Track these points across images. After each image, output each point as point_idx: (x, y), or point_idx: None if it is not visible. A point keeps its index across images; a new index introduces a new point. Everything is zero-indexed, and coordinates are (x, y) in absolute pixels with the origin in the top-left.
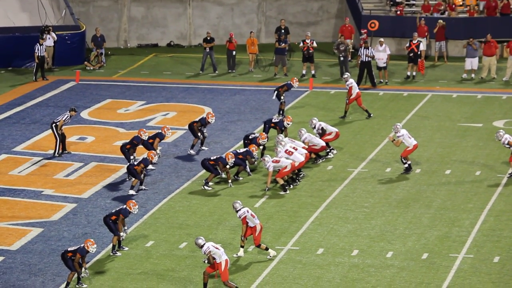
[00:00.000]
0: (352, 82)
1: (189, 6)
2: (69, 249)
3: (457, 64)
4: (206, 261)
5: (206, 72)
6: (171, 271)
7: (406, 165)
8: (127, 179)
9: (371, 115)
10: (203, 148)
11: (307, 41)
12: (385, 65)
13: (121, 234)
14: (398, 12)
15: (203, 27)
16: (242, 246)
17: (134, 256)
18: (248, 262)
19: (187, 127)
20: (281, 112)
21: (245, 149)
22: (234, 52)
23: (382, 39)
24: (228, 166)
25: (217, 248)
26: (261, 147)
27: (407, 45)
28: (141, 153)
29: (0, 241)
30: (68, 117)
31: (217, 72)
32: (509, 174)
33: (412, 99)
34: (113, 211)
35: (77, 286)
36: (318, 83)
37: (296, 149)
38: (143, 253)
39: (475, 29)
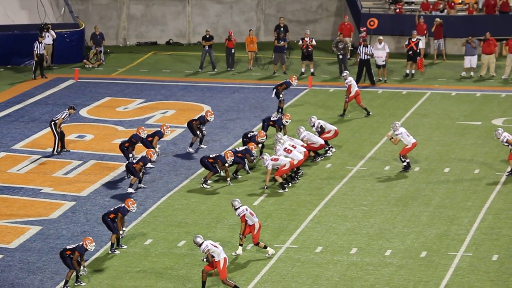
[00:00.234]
0: (351, 80)
1: (188, 4)
2: (67, 247)
3: (456, 62)
4: (204, 260)
5: (205, 70)
6: (169, 269)
7: (405, 163)
8: (126, 177)
9: (370, 113)
10: (202, 146)
11: (306, 39)
12: (384, 63)
13: (121, 233)
14: (397, 10)
15: (202, 25)
16: (240, 245)
17: (133, 254)
18: (246, 260)
19: (186, 125)
20: (280, 110)
21: (244, 147)
22: (233, 50)
23: (381, 37)
24: (227, 165)
25: (215, 246)
26: (260, 145)
27: (406, 43)
28: (140, 151)
29: None
30: (67, 115)
31: (216, 70)
32: (508, 172)
33: (411, 97)
34: (112, 209)
35: (75, 284)
36: (317, 81)
37: (295, 147)
38: (142, 251)
39: (474, 27)
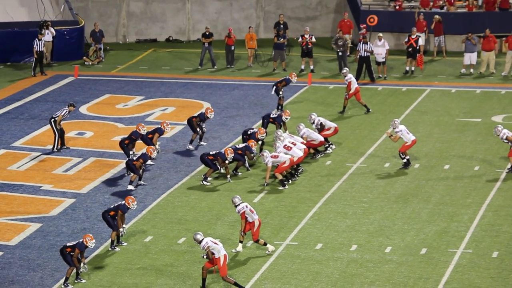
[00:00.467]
0: (351, 77)
1: (187, 1)
2: (68, 244)
3: (456, 59)
4: (204, 257)
5: (205, 67)
6: (169, 266)
7: (405, 160)
8: (126, 174)
9: (370, 110)
10: (202, 143)
11: (306, 36)
12: (384, 60)
13: (121, 230)
14: (397, 7)
15: (202, 22)
16: (240, 241)
17: (133, 251)
18: (246, 257)
19: (186, 122)
20: (279, 107)
21: (244, 145)
22: (233, 47)
23: (381, 34)
24: (227, 162)
25: (215, 243)
26: (259, 142)
27: (406, 40)
28: (140, 148)
29: None
30: (67, 112)
31: (216, 67)
32: (508, 169)
33: (411, 94)
34: (112, 206)
35: (76, 281)
36: (317, 78)
37: (294, 144)
38: (142, 248)
39: (474, 24)
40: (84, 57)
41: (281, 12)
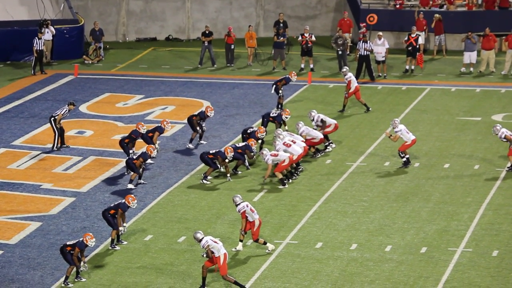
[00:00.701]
0: (351, 76)
1: (187, 0)
2: (68, 243)
3: (456, 58)
4: (204, 255)
5: (204, 66)
6: (169, 265)
7: (404, 159)
8: (126, 173)
9: (370, 109)
10: (202, 142)
11: (305, 35)
12: (383, 59)
13: (120, 229)
14: (397, 6)
15: (201, 21)
16: (241, 240)
17: (133, 250)
18: (246, 256)
19: (186, 120)
20: (279, 106)
21: (244, 143)
22: (232, 46)
23: (380, 33)
24: (227, 160)
25: (215, 242)
26: (259, 141)
27: (406, 39)
28: (140, 147)
29: None
30: (67, 111)
31: (215, 66)
32: (507, 167)
33: (410, 93)
34: (112, 205)
35: (76, 280)
36: (317, 77)
37: (294, 142)
38: (142, 247)
39: (473, 23)
40: (84, 56)
41: (281, 11)
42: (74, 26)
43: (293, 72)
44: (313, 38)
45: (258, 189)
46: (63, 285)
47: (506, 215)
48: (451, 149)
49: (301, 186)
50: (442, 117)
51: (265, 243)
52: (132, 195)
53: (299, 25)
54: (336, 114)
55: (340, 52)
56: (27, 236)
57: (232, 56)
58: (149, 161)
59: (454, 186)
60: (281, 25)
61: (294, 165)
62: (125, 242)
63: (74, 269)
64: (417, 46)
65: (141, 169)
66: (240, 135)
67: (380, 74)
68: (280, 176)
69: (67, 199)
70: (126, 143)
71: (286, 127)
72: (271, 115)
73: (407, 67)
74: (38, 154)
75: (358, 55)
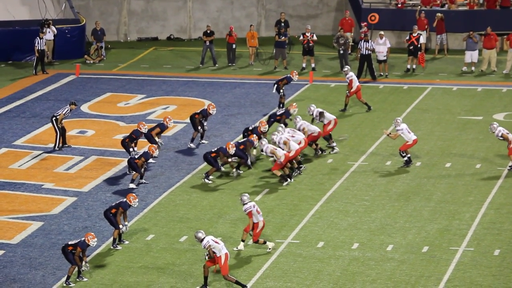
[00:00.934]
0: (352, 75)
1: None
2: (69, 242)
3: (457, 57)
4: (207, 258)
5: (206, 65)
6: (171, 265)
7: (406, 158)
8: (128, 173)
9: (371, 108)
10: (203, 141)
11: (307, 34)
12: (385, 58)
13: (121, 227)
14: (399, 5)
15: (203, 21)
16: (243, 240)
17: (135, 250)
18: (248, 256)
19: (187, 120)
20: (281, 106)
21: (245, 139)
22: (234, 46)
23: (382, 32)
24: (230, 160)
25: (217, 242)
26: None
27: (407, 38)
28: (142, 146)
29: (1, 234)
30: (68, 110)
31: (217, 65)
32: (509, 167)
33: (412, 92)
34: (113, 204)
35: (77, 279)
36: (318, 77)
37: (293, 137)
38: (144, 246)
39: (475, 22)
40: (86, 56)
41: (282, 10)
42: (75, 25)
43: (295, 71)
44: (315, 38)
45: (260, 188)
46: (64, 284)
47: (507, 214)
48: (453, 148)
49: (303, 185)
50: (443, 116)
51: (264, 242)
52: (134, 194)
53: (300, 25)
54: (338, 113)
55: (341, 52)
56: (29, 236)
57: (234, 55)
58: (150, 160)
59: (455, 185)
60: (283, 24)
61: (296, 164)
62: (126, 242)
63: (76, 268)
64: (419, 45)
65: (143, 169)
66: (241, 135)
67: (382, 74)
68: (279, 173)
69: (69, 199)
70: (127, 142)
71: (288, 129)
72: (277, 113)
73: (409, 66)
74: (40, 154)
75: (359, 55)
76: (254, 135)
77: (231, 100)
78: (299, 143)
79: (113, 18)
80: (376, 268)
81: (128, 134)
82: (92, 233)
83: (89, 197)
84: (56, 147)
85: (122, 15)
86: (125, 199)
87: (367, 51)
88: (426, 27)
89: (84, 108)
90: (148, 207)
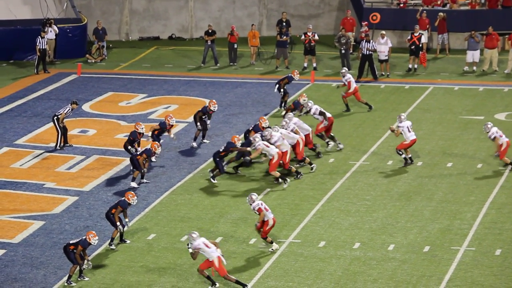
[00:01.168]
0: (350, 77)
1: None
2: (71, 242)
3: (459, 56)
4: (190, 250)
5: (207, 65)
6: (172, 264)
7: (403, 156)
8: (131, 172)
9: (372, 107)
10: (205, 141)
11: (308, 34)
12: (386, 58)
13: (118, 224)
14: (401, 5)
15: (204, 20)
16: (271, 242)
17: (136, 249)
18: (249, 255)
19: (189, 119)
20: (283, 104)
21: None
22: (235, 45)
23: (383, 32)
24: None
25: (207, 246)
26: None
27: (409, 37)
28: (144, 145)
29: (2, 234)
30: (70, 110)
31: (218, 65)
32: (511, 166)
33: (413, 92)
34: (113, 204)
35: (79, 279)
36: (320, 76)
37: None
38: (145, 246)
39: (476, 22)
40: (87, 55)
41: (283, 10)
42: (77, 25)
43: (296, 70)
44: (316, 37)
45: (261, 188)
46: (66, 284)
47: (509, 214)
48: (454, 148)
49: (304, 185)
50: (445, 116)
51: (271, 242)
52: (132, 192)
53: (302, 24)
54: (339, 113)
55: (343, 51)
56: (30, 235)
57: (235, 55)
58: (152, 159)
59: (457, 185)
60: (284, 24)
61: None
62: (128, 241)
63: (77, 268)
64: (420, 45)
65: (145, 168)
66: (243, 135)
67: (383, 73)
68: (278, 174)
69: (70, 198)
70: (127, 146)
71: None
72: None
73: (410, 66)
74: (41, 153)
75: (361, 54)
76: (255, 133)
77: (233, 99)
78: (297, 143)
79: (114, 17)
80: (377, 268)
81: (127, 137)
82: (94, 232)
83: (90, 196)
84: (58, 146)
85: (123, 14)
86: (123, 198)
87: (368, 51)
88: (427, 26)
89: (86, 107)
90: (149, 206)
